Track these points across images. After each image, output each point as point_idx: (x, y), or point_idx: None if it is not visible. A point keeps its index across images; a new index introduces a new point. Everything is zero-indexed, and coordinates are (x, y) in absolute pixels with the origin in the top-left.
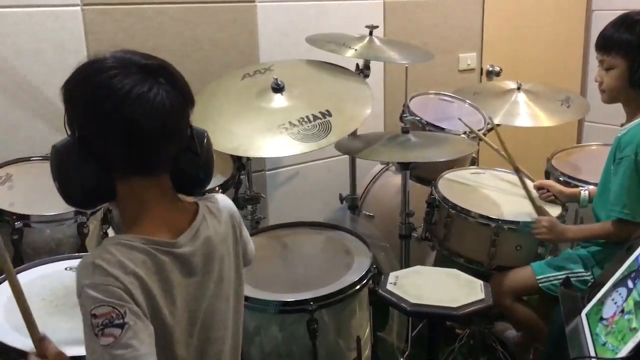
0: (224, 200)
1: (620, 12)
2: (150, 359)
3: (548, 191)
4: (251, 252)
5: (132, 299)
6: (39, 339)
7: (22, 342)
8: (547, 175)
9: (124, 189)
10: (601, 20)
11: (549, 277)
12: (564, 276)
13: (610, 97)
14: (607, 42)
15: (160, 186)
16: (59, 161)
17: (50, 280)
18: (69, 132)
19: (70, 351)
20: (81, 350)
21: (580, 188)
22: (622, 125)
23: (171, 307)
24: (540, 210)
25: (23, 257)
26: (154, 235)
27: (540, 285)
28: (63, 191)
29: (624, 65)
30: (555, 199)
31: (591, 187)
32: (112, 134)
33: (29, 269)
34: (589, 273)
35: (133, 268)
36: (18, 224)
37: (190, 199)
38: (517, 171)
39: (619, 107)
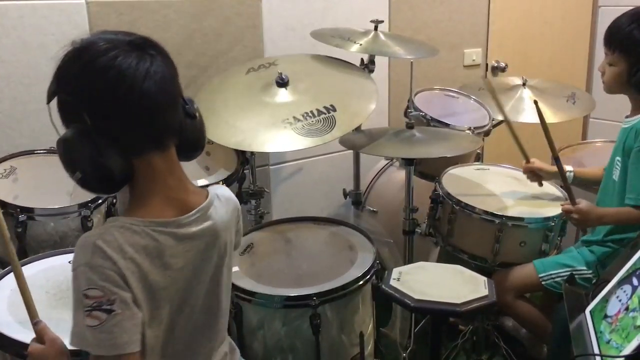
0: (229, 192)
1: (627, 8)
2: (128, 348)
3: (536, 174)
4: (239, 243)
5: (127, 284)
6: (34, 323)
7: (26, 335)
8: None
9: (141, 166)
10: (608, 16)
11: (551, 274)
12: (566, 274)
13: (609, 89)
14: (613, 39)
15: (171, 160)
16: (77, 153)
17: (54, 274)
18: (69, 123)
19: None
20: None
21: (567, 168)
22: (627, 117)
23: (165, 291)
24: (571, 198)
25: (27, 250)
26: (159, 216)
27: (543, 283)
28: (86, 181)
29: (624, 65)
30: (539, 179)
31: (573, 168)
32: (129, 113)
33: (33, 262)
34: (591, 271)
35: (132, 254)
36: (22, 217)
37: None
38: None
39: (624, 103)
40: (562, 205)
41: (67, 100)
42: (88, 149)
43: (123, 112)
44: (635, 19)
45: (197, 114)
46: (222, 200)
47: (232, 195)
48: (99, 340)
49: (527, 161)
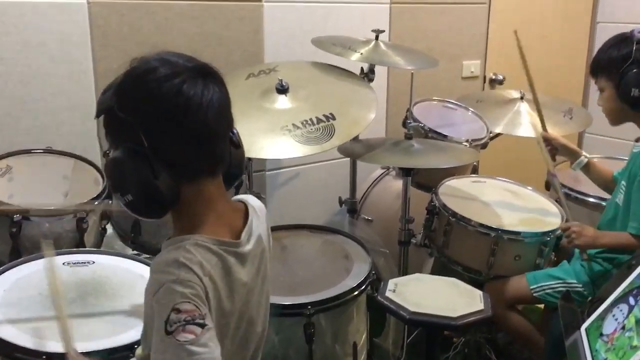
0: (256, 199)
1: (624, 25)
2: None
3: (552, 144)
4: (270, 249)
5: (207, 301)
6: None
7: (17, 336)
8: (547, 186)
9: (192, 192)
10: (605, 33)
11: (542, 286)
12: (557, 285)
13: (612, 119)
14: (594, 65)
15: (220, 185)
16: (131, 174)
17: None
18: (120, 142)
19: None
20: (80, 346)
21: (583, 153)
22: (637, 140)
23: (232, 306)
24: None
25: (21, 251)
26: (219, 235)
27: (535, 294)
28: (136, 204)
29: (610, 85)
30: (553, 151)
31: (589, 156)
32: (190, 139)
33: (27, 262)
34: (581, 285)
35: (209, 270)
36: (17, 217)
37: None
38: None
39: None
40: (560, 226)
41: (126, 119)
42: (144, 171)
43: (184, 137)
44: (612, 43)
45: (241, 144)
46: (256, 210)
47: (260, 203)
48: (196, 355)
49: (545, 130)
